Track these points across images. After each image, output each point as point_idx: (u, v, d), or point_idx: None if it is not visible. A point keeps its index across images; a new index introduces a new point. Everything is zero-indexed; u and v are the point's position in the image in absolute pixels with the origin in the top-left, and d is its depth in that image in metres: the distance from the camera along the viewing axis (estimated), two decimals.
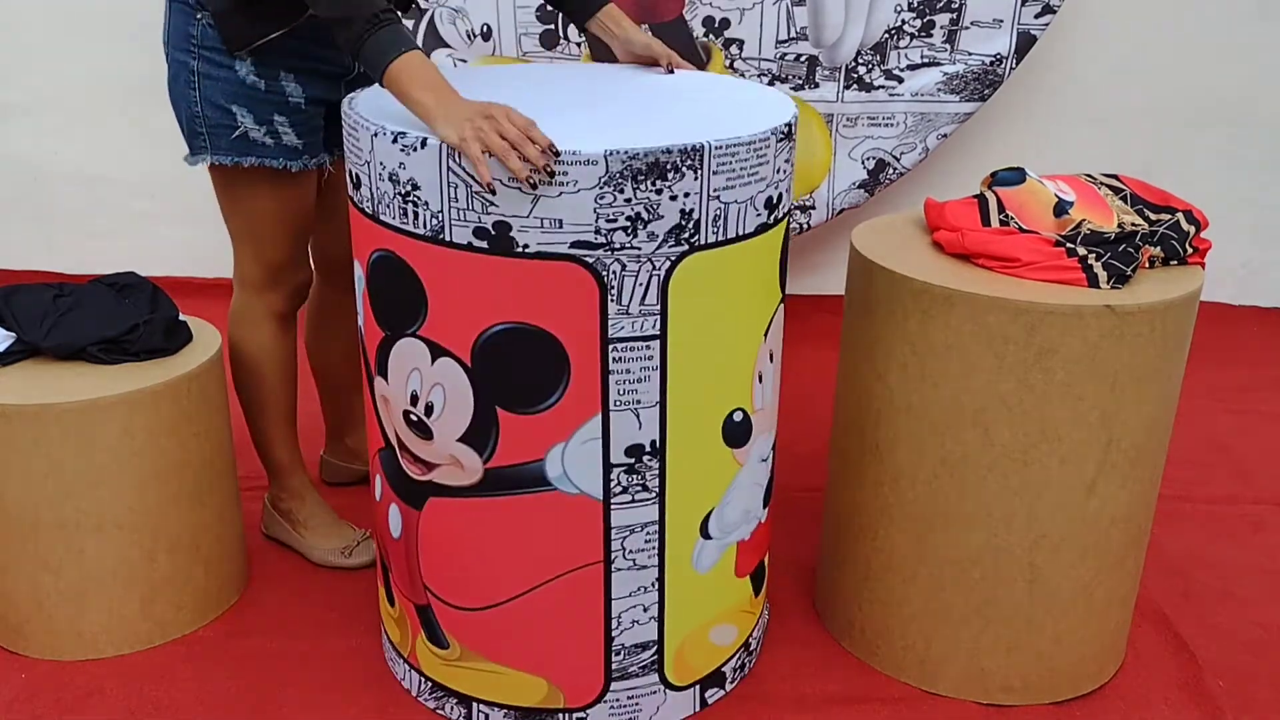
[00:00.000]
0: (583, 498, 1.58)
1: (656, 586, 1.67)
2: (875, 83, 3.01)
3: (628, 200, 1.42)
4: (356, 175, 1.57)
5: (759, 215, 1.55)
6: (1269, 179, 3.36)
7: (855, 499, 1.88)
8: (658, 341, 1.52)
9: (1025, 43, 2.97)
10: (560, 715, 1.73)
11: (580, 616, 1.66)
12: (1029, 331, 1.61)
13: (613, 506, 1.60)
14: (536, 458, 1.55)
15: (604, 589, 1.65)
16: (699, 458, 1.63)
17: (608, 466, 1.57)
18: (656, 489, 1.61)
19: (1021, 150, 3.17)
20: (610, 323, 1.48)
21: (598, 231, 1.43)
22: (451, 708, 1.77)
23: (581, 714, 1.73)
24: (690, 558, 1.69)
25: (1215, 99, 3.26)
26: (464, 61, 2.97)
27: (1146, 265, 1.72)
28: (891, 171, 3.08)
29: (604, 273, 1.46)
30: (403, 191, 1.48)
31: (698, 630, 1.75)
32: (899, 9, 2.94)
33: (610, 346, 1.50)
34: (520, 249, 1.44)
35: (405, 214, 1.49)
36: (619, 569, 1.64)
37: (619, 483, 1.58)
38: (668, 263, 1.48)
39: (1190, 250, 1.77)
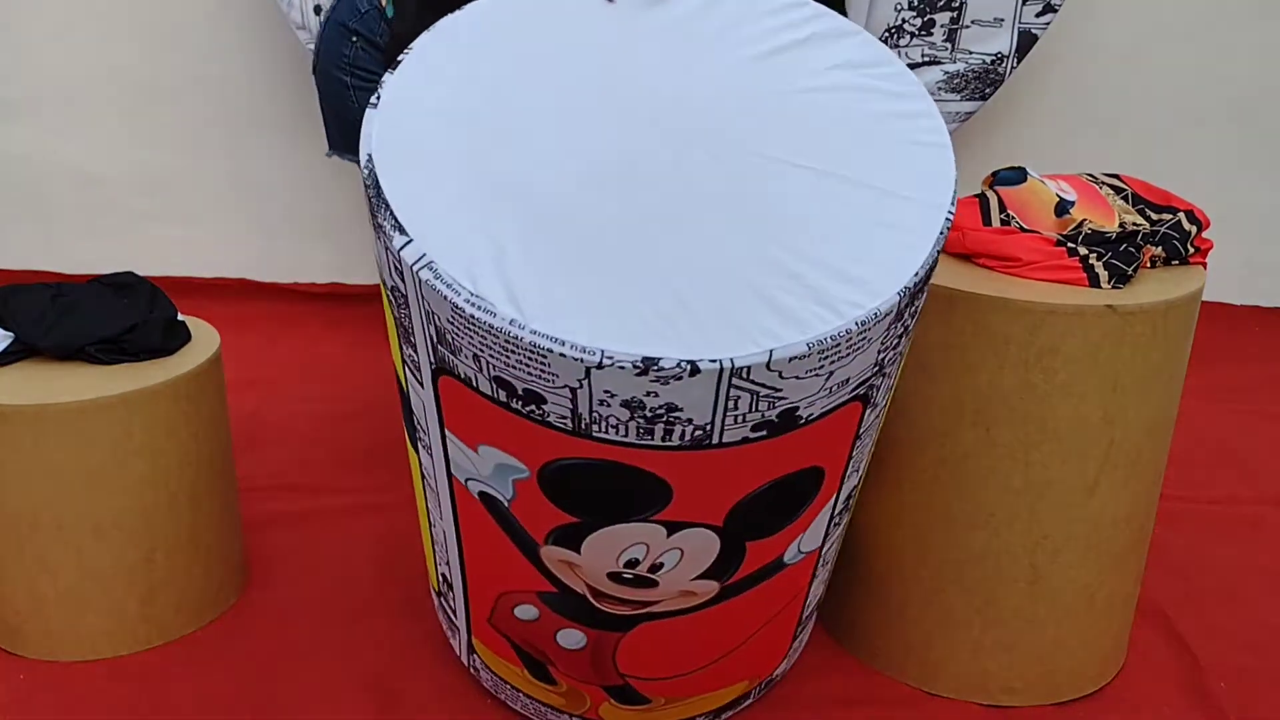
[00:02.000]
0: (807, 558, 1.49)
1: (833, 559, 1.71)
2: None
3: (902, 324, 1.22)
4: (525, 391, 1.15)
5: None
6: (1270, 179, 3.35)
7: (855, 499, 1.87)
8: (876, 408, 1.37)
9: (1026, 42, 2.97)
10: (751, 691, 1.76)
11: (780, 629, 1.66)
12: (1030, 331, 1.61)
13: (825, 549, 1.55)
14: (776, 557, 1.41)
15: (804, 598, 1.64)
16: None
17: (830, 523, 1.49)
18: (849, 519, 1.64)
19: (1022, 150, 3.16)
20: (863, 429, 1.34)
21: (876, 365, 1.23)
22: None
23: (769, 679, 1.78)
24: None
25: (1217, 98, 3.26)
26: None
27: (1148, 265, 1.72)
28: None
29: (871, 397, 1.28)
30: (649, 414, 1.14)
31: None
32: (899, 8, 2.93)
33: (855, 442, 1.35)
34: (803, 422, 1.21)
35: (650, 433, 1.16)
36: (819, 579, 1.64)
37: (831, 531, 1.53)
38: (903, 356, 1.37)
39: (1192, 250, 1.76)
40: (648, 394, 1.12)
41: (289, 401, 2.87)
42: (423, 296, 1.15)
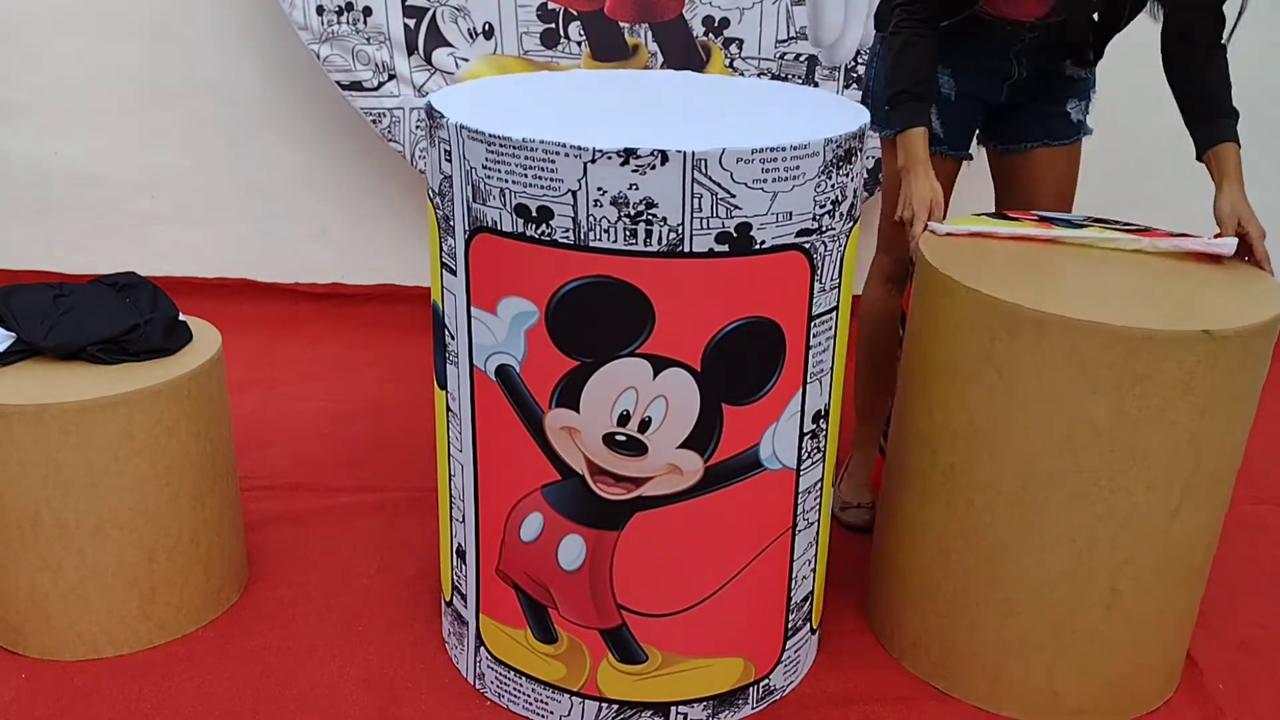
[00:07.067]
0: (783, 471, 1.66)
1: (817, 538, 1.80)
2: None
3: (833, 185, 1.54)
4: (538, 209, 1.47)
5: (864, 197, 1.63)
6: (1268, 179, 3.35)
7: (920, 518, 1.84)
8: (835, 312, 1.64)
9: None
10: (750, 690, 1.79)
11: (771, 587, 1.74)
12: (1126, 357, 1.56)
13: (800, 473, 1.69)
14: (753, 444, 1.61)
15: (789, 554, 1.73)
16: (836, 412, 1.77)
17: (801, 436, 1.66)
18: (824, 448, 1.73)
19: None
20: (814, 301, 1.59)
21: (814, 218, 1.53)
22: None
23: (766, 681, 1.80)
24: (829, 504, 1.85)
25: None
26: (465, 61, 2.97)
27: None
28: None
29: (814, 255, 1.56)
30: (632, 212, 1.44)
31: (822, 569, 1.89)
32: None
33: (812, 324, 1.60)
34: (757, 246, 1.50)
35: (634, 235, 1.46)
36: (800, 530, 1.74)
37: (806, 450, 1.68)
38: (844, 239, 1.61)
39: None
40: (630, 186, 1.42)
41: (289, 401, 2.87)
42: (465, 156, 1.52)
